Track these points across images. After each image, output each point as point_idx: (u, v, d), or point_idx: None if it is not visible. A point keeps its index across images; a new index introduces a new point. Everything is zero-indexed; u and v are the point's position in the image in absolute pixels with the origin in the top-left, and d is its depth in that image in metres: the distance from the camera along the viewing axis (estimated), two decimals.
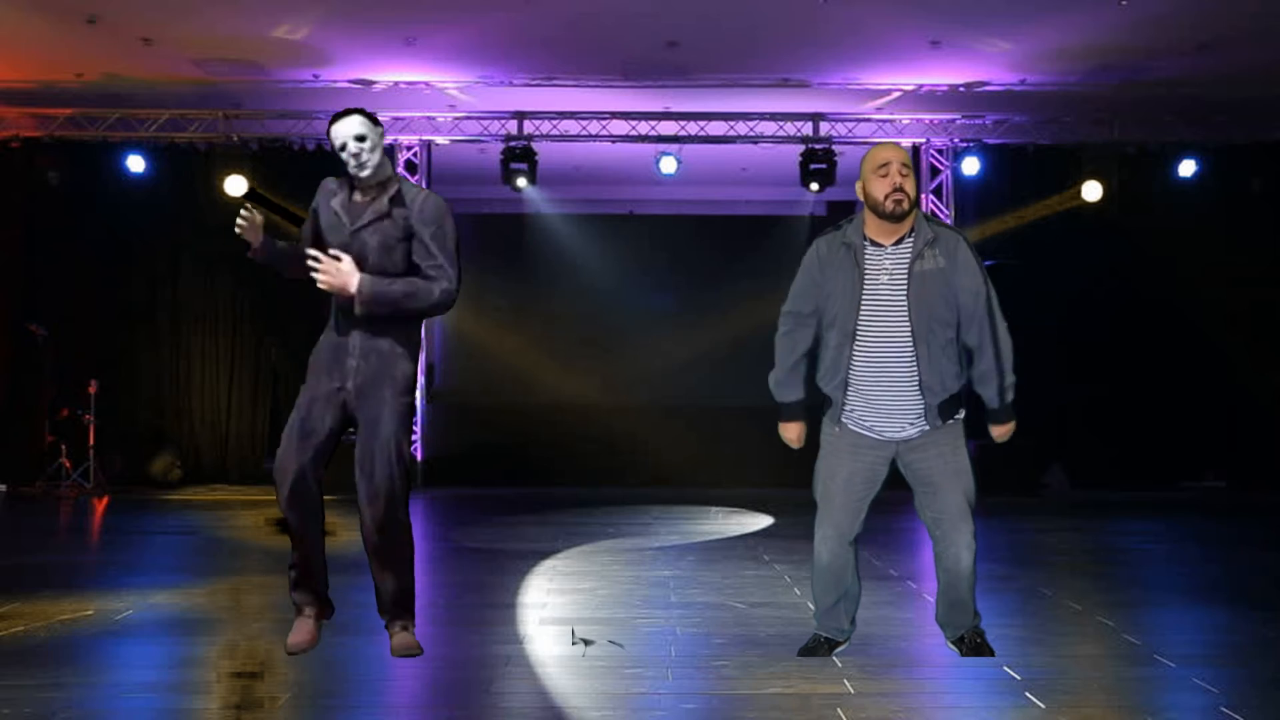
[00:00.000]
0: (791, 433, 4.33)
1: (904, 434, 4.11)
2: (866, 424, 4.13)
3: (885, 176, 4.05)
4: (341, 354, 4.19)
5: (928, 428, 4.09)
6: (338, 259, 4.06)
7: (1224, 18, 9.35)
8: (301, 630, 4.32)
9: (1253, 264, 12.00)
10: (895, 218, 4.06)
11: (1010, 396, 4.15)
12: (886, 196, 4.04)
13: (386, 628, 4.36)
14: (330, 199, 4.25)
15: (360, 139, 4.12)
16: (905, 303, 4.03)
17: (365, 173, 4.15)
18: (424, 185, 12.52)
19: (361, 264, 4.11)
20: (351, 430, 4.30)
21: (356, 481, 4.19)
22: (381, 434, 4.18)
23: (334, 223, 4.20)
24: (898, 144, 4.41)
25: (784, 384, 4.27)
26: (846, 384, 4.11)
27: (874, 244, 4.10)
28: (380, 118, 4.34)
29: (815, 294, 4.16)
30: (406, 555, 4.32)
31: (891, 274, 4.07)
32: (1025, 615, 5.17)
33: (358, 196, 4.21)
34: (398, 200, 4.18)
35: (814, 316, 4.19)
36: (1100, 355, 12.11)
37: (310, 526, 4.25)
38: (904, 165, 4.09)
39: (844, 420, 4.16)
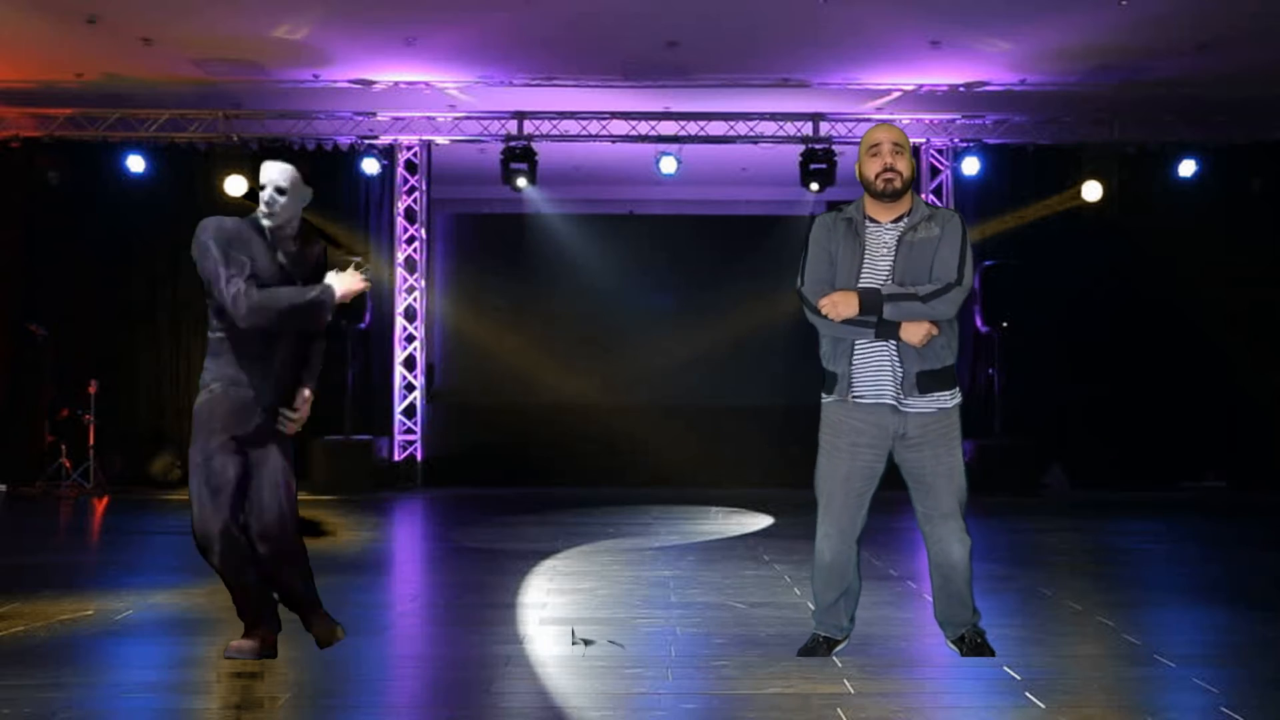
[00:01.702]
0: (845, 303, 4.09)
1: (894, 403, 4.11)
2: (861, 391, 4.14)
3: (876, 156, 4.16)
4: (245, 416, 4.14)
5: (922, 410, 4.11)
6: (359, 267, 4.26)
7: (1224, 18, 9.35)
8: (245, 642, 4.25)
9: (1253, 264, 11.99)
10: (887, 196, 4.15)
11: (889, 308, 4.02)
12: (878, 175, 4.14)
13: (304, 620, 4.38)
14: (264, 246, 4.17)
15: (280, 191, 4.14)
16: (889, 274, 4.10)
17: (269, 223, 4.15)
18: (424, 185, 12.58)
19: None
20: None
21: (247, 514, 4.17)
22: (269, 467, 4.19)
23: (276, 273, 4.16)
24: (891, 124, 4.44)
25: (833, 355, 4.21)
26: (853, 347, 4.14)
27: (873, 221, 4.20)
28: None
29: (828, 268, 4.18)
30: (303, 563, 4.36)
31: (889, 246, 4.16)
32: (1025, 615, 5.18)
33: (289, 248, 4.25)
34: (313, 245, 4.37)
35: (831, 289, 4.18)
36: (1100, 355, 12.11)
37: (248, 574, 4.18)
38: (895, 144, 4.17)
39: (851, 390, 4.15)
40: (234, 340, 4.12)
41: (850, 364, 4.16)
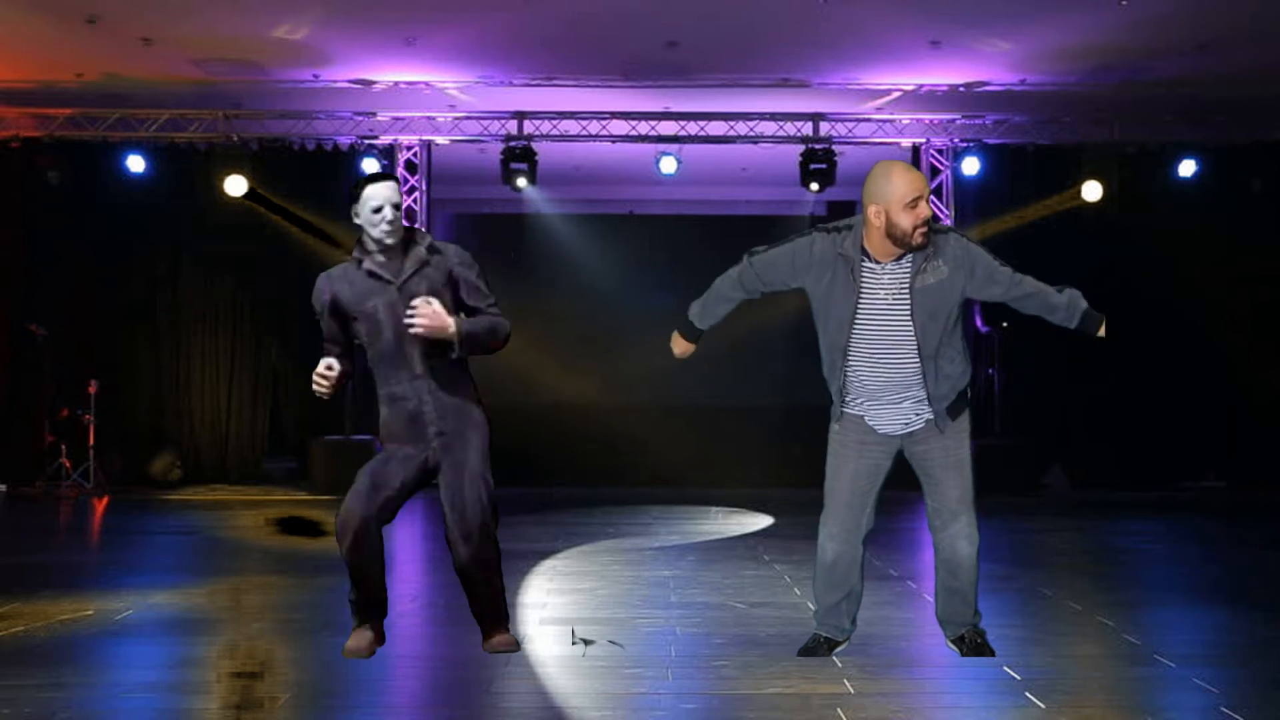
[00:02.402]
0: (678, 347, 4.49)
1: (908, 429, 4.13)
2: (870, 420, 4.15)
3: (915, 209, 3.94)
4: (419, 425, 4.17)
5: (933, 420, 4.12)
6: (428, 303, 4.02)
7: (1224, 18, 9.35)
8: (360, 637, 4.23)
9: (1253, 264, 11.99)
10: (916, 248, 4.00)
11: (1084, 305, 4.33)
12: (915, 229, 3.95)
13: (484, 633, 4.35)
14: (346, 285, 4.18)
15: (397, 207, 4.13)
16: (910, 323, 4.01)
17: (392, 240, 4.12)
18: (424, 185, 12.57)
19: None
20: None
21: (447, 517, 4.15)
22: (470, 469, 4.16)
23: (373, 285, 4.14)
24: (919, 172, 4.37)
25: (701, 311, 4.37)
26: (844, 390, 4.14)
27: (873, 261, 4.04)
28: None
29: (784, 277, 4.17)
30: (499, 572, 4.30)
31: (891, 291, 4.03)
32: (1025, 615, 5.18)
33: (380, 259, 4.16)
34: (433, 249, 4.20)
35: (766, 291, 4.25)
36: (1100, 355, 12.09)
37: (372, 570, 4.19)
38: (929, 197, 4.08)
39: (846, 413, 4.16)
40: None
41: (843, 403, 4.14)
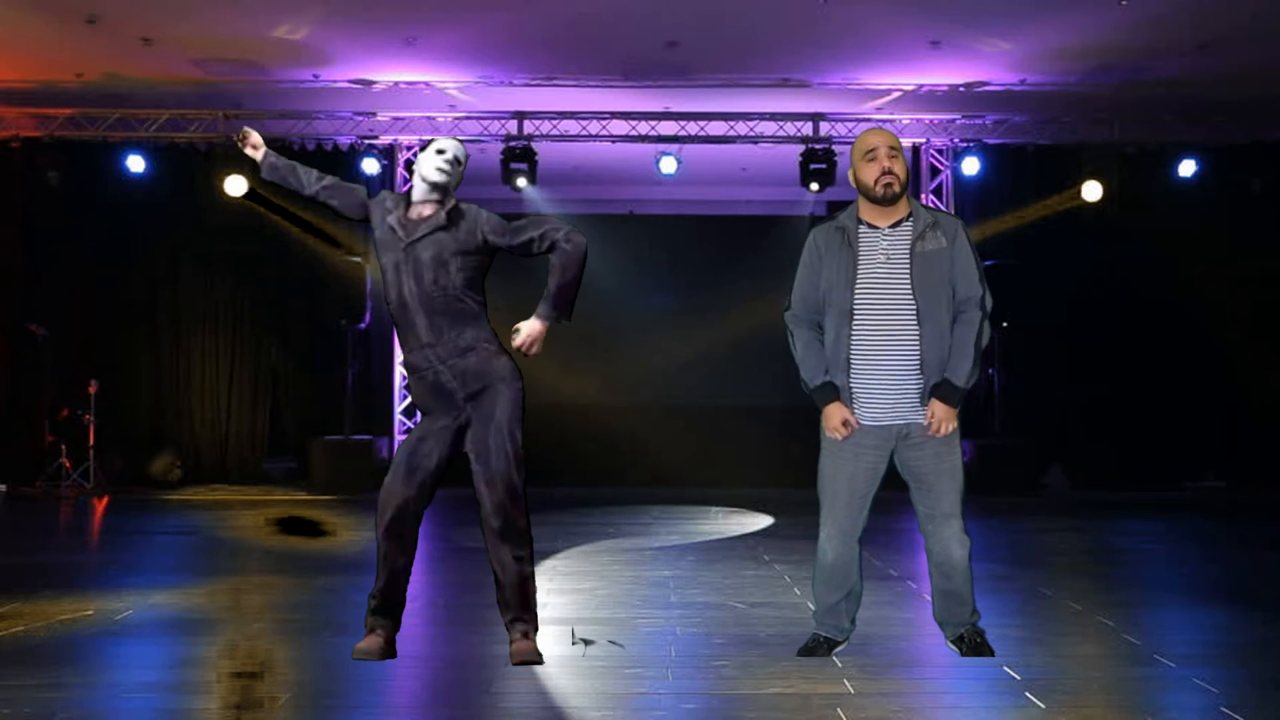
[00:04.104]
0: (835, 418, 4.12)
1: (904, 421, 4.12)
2: (869, 413, 4.14)
3: (874, 161, 4.13)
4: (442, 393, 4.21)
5: (925, 419, 4.11)
6: (516, 332, 4.19)
7: (1224, 18, 9.35)
8: (373, 641, 4.22)
9: (1253, 264, 11.99)
10: (887, 200, 4.13)
11: (972, 382, 4.13)
12: (876, 181, 4.12)
13: (507, 629, 4.29)
14: (386, 215, 4.28)
15: (458, 161, 4.27)
16: (909, 284, 4.08)
17: (441, 179, 4.22)
18: None
19: (418, 282, 4.15)
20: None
21: (473, 468, 4.19)
22: (495, 421, 4.18)
23: (389, 239, 4.24)
24: (883, 128, 4.44)
25: (811, 370, 4.20)
26: (849, 363, 4.12)
27: (869, 226, 4.17)
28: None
29: (815, 291, 4.19)
30: (525, 543, 4.28)
31: (890, 256, 4.12)
32: (1025, 615, 5.17)
33: (414, 213, 4.24)
34: (456, 214, 4.22)
35: (818, 314, 4.20)
36: (1100, 355, 12.11)
37: (402, 559, 4.23)
38: (891, 148, 4.16)
39: (852, 401, 4.16)
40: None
41: (849, 378, 4.13)
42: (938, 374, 4.09)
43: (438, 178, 4.22)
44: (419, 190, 4.26)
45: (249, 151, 4.39)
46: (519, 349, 4.17)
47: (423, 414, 4.31)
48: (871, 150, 4.14)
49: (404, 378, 4.38)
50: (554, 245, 4.22)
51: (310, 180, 4.40)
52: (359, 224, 4.50)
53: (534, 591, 4.34)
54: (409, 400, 12.47)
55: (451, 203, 4.26)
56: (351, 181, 4.52)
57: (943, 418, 4.08)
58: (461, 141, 4.42)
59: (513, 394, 4.21)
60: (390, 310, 4.28)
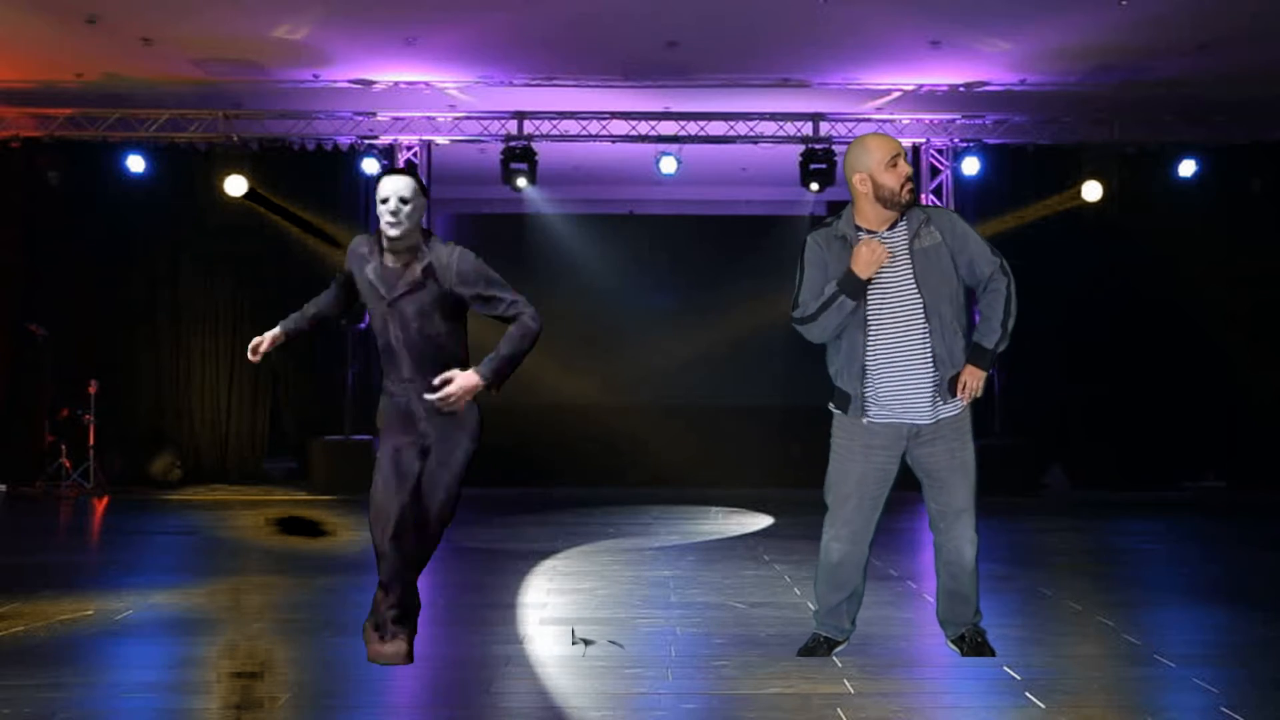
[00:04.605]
0: (864, 254, 4.08)
1: (919, 420, 4.13)
2: (885, 413, 4.14)
3: (896, 167, 4.14)
4: (410, 418, 4.24)
5: (939, 417, 4.12)
6: (447, 381, 4.12)
7: (1224, 18, 9.35)
8: (398, 645, 4.18)
9: (1253, 264, 11.98)
10: (909, 206, 4.17)
11: (1002, 347, 4.15)
12: (903, 187, 4.14)
13: (378, 629, 4.22)
14: (364, 265, 4.26)
15: (404, 200, 4.14)
16: (913, 283, 4.10)
17: (395, 232, 4.13)
18: (425, 185, 12.55)
19: (405, 331, 4.18)
20: None
21: (420, 499, 4.19)
22: (448, 464, 4.22)
23: (371, 292, 4.25)
24: (884, 133, 4.45)
25: (825, 292, 4.16)
26: (865, 370, 4.14)
27: (868, 232, 4.18)
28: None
29: (824, 284, 4.17)
30: (421, 567, 4.29)
31: (892, 257, 4.13)
32: (1025, 615, 5.18)
33: (389, 262, 4.20)
34: (429, 271, 4.18)
35: None
36: (1100, 355, 12.11)
37: (411, 568, 4.20)
38: (906, 154, 4.24)
39: (865, 410, 4.16)
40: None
41: (863, 385, 4.15)
42: (948, 366, 4.11)
43: (392, 233, 4.14)
44: (386, 240, 4.19)
45: (267, 346, 4.34)
46: (440, 392, 4.10)
47: (384, 431, 4.29)
48: (895, 157, 4.14)
49: None
50: (518, 317, 4.24)
51: (307, 314, 4.45)
52: (355, 220, 4.48)
53: (416, 596, 4.32)
54: None
55: (424, 256, 4.19)
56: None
57: (971, 380, 4.12)
58: (409, 169, 4.32)
59: (468, 448, 4.27)
60: (377, 345, 4.32)
